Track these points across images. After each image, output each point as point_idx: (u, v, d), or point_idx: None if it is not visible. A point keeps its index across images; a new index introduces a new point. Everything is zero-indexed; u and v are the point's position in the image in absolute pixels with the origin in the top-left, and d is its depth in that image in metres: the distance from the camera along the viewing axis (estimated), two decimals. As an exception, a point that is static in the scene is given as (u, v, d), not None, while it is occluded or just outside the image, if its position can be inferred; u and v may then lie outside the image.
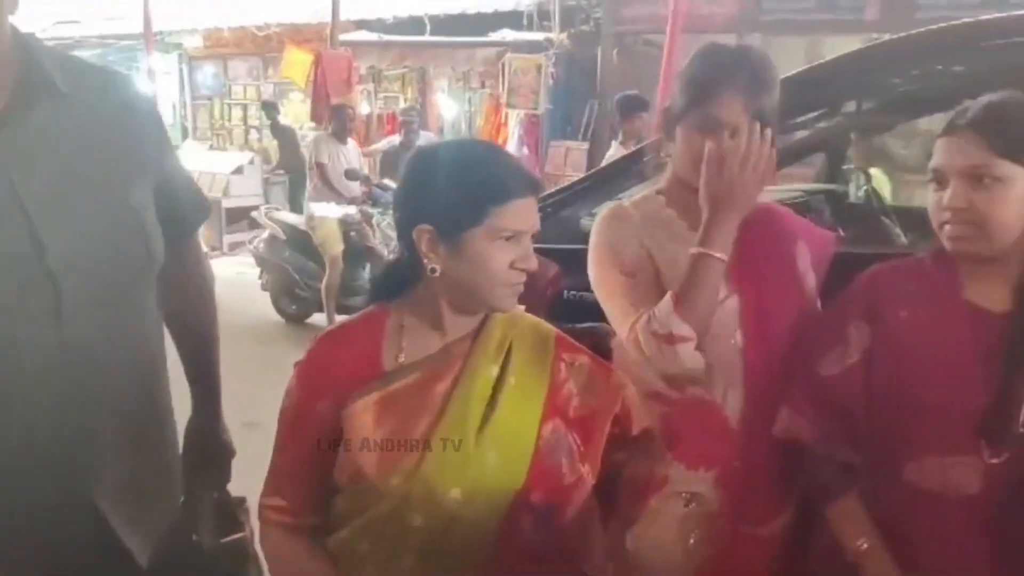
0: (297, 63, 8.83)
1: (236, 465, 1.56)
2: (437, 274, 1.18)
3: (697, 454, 1.46)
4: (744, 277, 1.47)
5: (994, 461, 1.25)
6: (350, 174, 5.85)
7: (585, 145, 7.72)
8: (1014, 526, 1.25)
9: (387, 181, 6.10)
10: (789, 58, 8.13)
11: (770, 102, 1.41)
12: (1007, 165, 1.22)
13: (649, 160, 2.12)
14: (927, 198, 1.33)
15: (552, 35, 8.02)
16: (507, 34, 8.11)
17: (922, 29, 2.07)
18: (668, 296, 1.37)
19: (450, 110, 9.21)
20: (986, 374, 1.27)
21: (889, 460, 1.33)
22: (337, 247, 5.73)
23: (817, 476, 1.39)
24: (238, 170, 9.44)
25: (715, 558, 1.48)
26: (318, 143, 6.01)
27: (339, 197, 5.84)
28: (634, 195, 1.65)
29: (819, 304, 1.56)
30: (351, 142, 6.18)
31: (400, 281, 1.26)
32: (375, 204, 5.96)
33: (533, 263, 1.19)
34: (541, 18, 8.27)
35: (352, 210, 5.88)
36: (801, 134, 2.71)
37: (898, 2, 6.94)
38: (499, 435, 1.21)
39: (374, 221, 5.97)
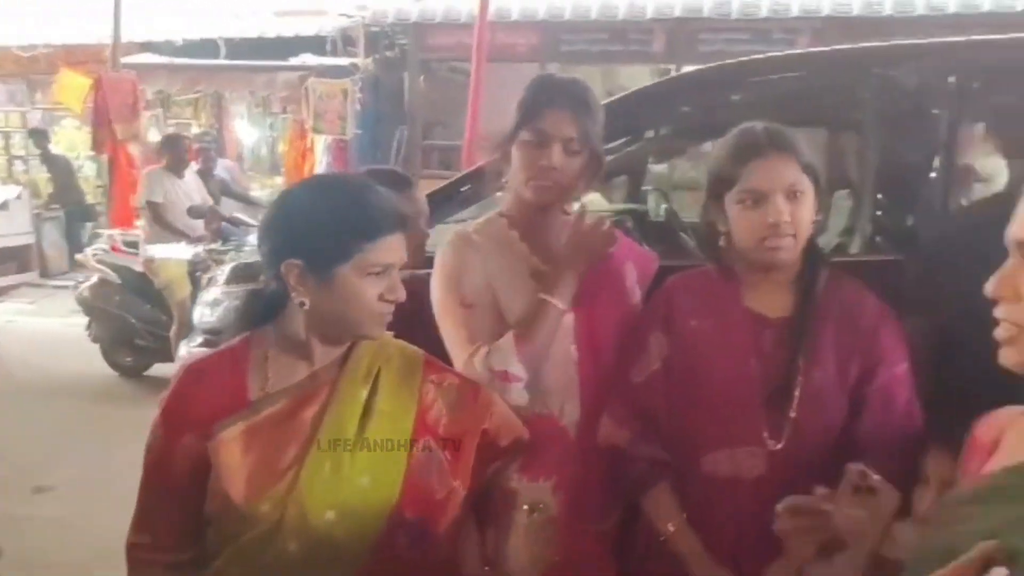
0: (72, 87, 8.06)
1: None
2: (306, 307, 1.19)
3: (538, 466, 1.54)
4: (578, 296, 1.55)
5: (776, 447, 1.43)
6: (194, 211, 5.31)
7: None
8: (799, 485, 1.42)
9: (240, 215, 5.65)
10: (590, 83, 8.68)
11: (594, 125, 1.54)
12: (806, 180, 1.41)
13: (473, 187, 2.21)
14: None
15: (358, 60, 7.97)
16: (308, 59, 7.94)
17: (703, 66, 2.32)
18: (510, 336, 1.46)
19: (250, 136, 8.85)
20: (764, 373, 1.45)
21: (690, 454, 1.48)
22: (183, 291, 5.13)
23: (631, 473, 1.52)
24: (3, 205, 8.41)
25: (558, 554, 1.58)
26: (150, 180, 5.36)
27: (182, 237, 5.27)
28: (475, 219, 1.73)
29: None
30: (189, 175, 5.61)
31: (264, 312, 1.27)
32: (225, 241, 5.35)
33: (401, 294, 1.22)
34: (345, 43, 8.19)
35: (199, 249, 5.25)
36: (609, 159, 2.88)
37: (681, 38, 7.60)
38: (371, 456, 1.24)
39: (227, 259, 5.41)
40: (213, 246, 5.31)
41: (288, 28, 8.17)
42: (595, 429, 1.57)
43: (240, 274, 4.04)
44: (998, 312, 0.89)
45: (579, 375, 1.57)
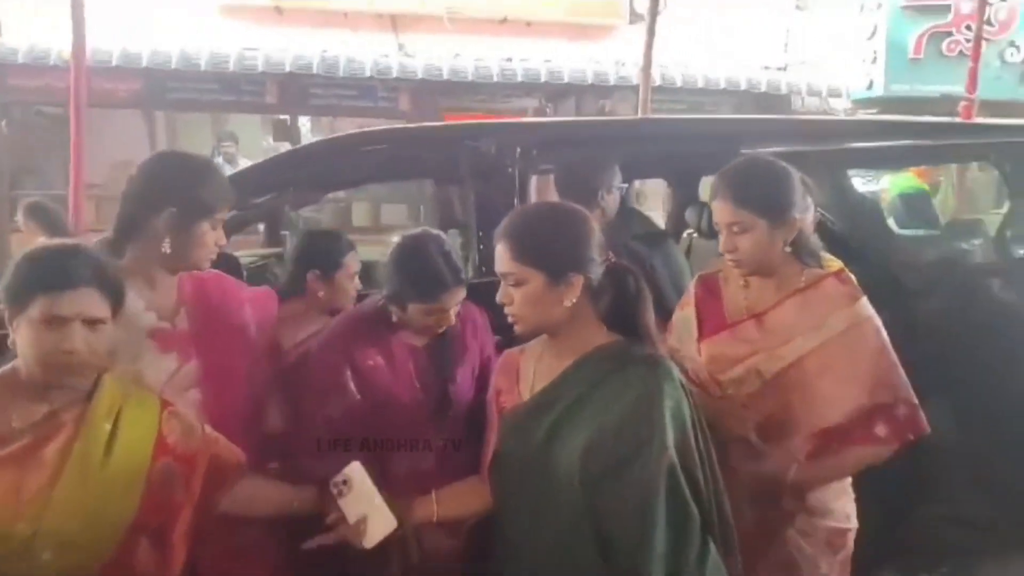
0: None
1: None
2: (16, 348, 1.41)
3: None
4: (201, 344, 1.81)
5: (440, 443, 1.93)
6: None
7: None
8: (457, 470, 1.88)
9: None
10: (196, 132, 8.58)
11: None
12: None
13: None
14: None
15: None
16: None
17: (330, 137, 2.78)
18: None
19: None
20: (424, 387, 1.95)
21: (386, 461, 1.90)
22: None
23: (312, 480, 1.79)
24: None
25: None
26: None
27: None
28: None
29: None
30: None
31: None
32: None
33: (74, 344, 1.39)
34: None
35: None
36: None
37: (293, 90, 8.00)
38: (115, 477, 1.46)
39: None
40: None
41: None
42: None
43: None
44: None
45: (205, 416, 1.72)
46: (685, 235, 3.74)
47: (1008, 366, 2.76)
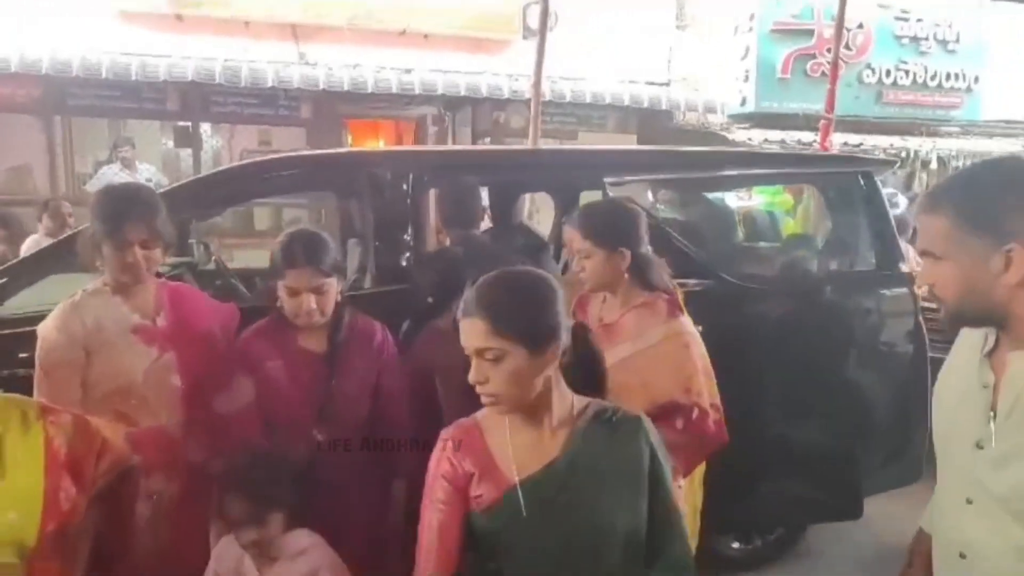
0: None
1: None
2: None
3: (152, 464, 2.04)
4: (179, 337, 2.23)
5: (321, 437, 2.21)
6: None
7: None
8: (339, 464, 2.21)
9: None
10: (94, 137, 8.53)
11: (156, 220, 2.14)
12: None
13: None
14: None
15: None
16: None
17: (244, 162, 3.10)
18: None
19: None
20: (314, 390, 2.20)
21: (294, 451, 2.18)
22: None
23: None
24: None
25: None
26: None
27: None
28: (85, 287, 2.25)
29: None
30: None
31: None
32: None
33: None
34: None
35: None
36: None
37: (195, 98, 8.07)
38: (14, 496, 1.54)
39: None
40: None
41: None
42: (194, 431, 2.19)
43: None
44: None
45: (182, 398, 2.20)
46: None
47: (825, 361, 3.28)
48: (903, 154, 9.65)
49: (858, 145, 9.44)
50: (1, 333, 2.55)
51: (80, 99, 7.68)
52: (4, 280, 2.67)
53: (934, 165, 9.90)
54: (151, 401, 2.17)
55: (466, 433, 1.57)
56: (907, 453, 3.43)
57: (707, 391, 2.19)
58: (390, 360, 2.36)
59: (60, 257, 2.75)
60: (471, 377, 1.46)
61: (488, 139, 8.97)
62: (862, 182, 3.58)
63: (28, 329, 2.28)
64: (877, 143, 9.70)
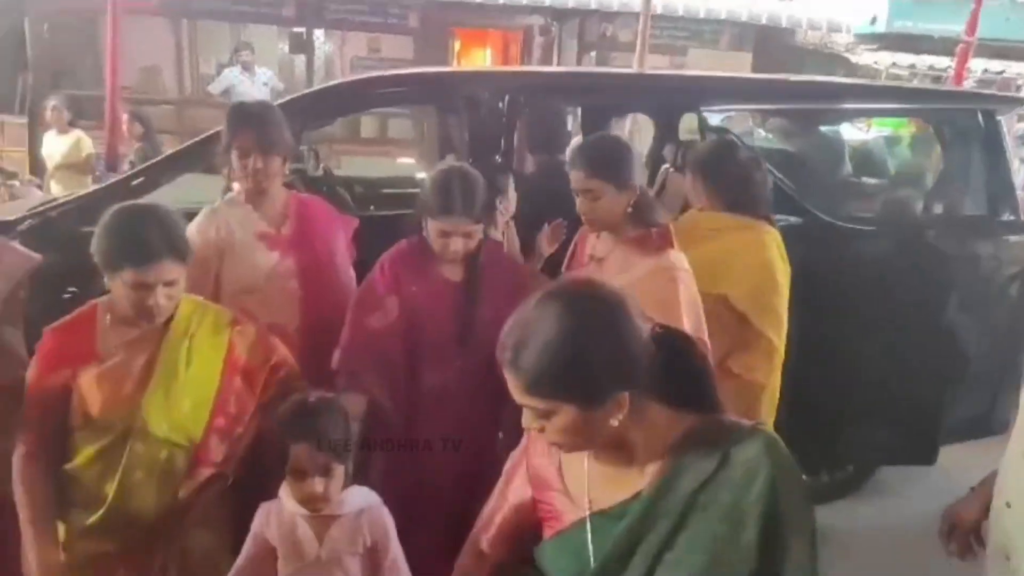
0: None
1: None
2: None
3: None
4: (300, 246, 2.41)
5: (460, 362, 2.22)
6: None
7: (23, 119, 7.28)
8: (481, 389, 2.17)
9: None
10: (218, 39, 8.89)
11: (275, 134, 2.32)
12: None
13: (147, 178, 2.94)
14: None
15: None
16: None
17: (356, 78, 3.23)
18: None
19: None
20: (455, 315, 2.22)
21: (416, 374, 2.24)
22: None
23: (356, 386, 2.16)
24: None
25: None
26: None
27: None
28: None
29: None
30: None
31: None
32: None
33: (157, 300, 1.71)
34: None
35: None
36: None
37: (309, 4, 8.19)
38: (192, 386, 1.80)
39: None
40: None
41: None
42: (314, 335, 2.30)
43: None
44: None
45: (300, 303, 2.38)
46: (662, 169, 4.19)
47: (917, 305, 3.18)
48: (1049, 84, 8.85)
49: (1000, 72, 8.71)
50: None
51: (204, 2, 7.96)
52: (142, 179, 2.96)
53: (1083, 98, 9.03)
54: (272, 302, 2.33)
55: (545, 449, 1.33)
56: (995, 405, 3.35)
57: (691, 325, 2.11)
58: (523, 285, 2.28)
59: (193, 158, 3.04)
60: (524, 422, 1.22)
61: (594, 53, 8.79)
62: (982, 121, 3.38)
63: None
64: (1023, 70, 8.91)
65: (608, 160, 2.21)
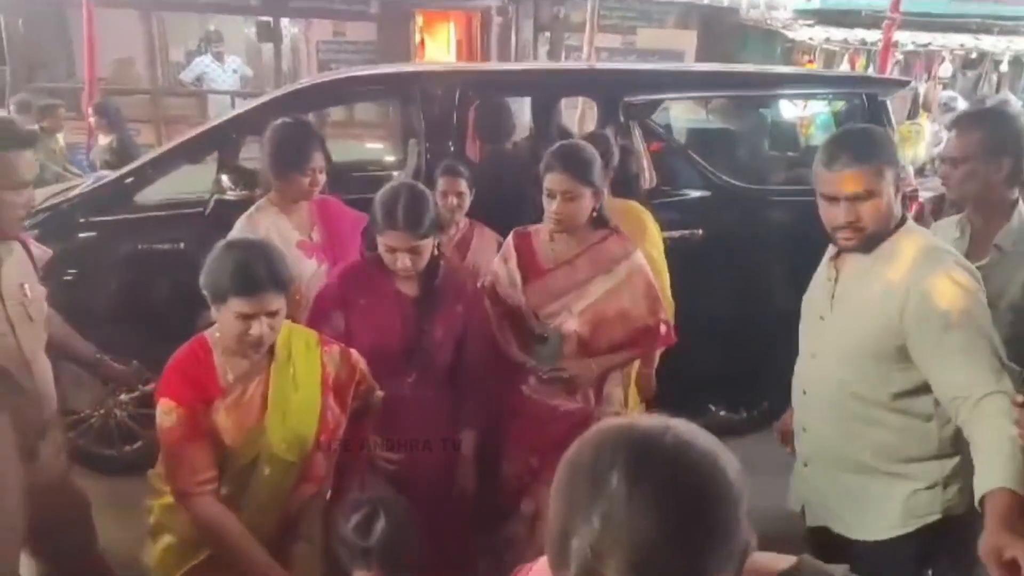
0: None
1: None
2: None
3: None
4: (331, 250, 2.60)
5: (411, 379, 2.26)
6: None
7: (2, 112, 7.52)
8: (433, 402, 2.31)
9: None
10: (185, 29, 9.16)
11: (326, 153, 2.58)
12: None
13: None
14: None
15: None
16: None
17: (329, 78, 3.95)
18: None
19: None
20: (406, 331, 2.23)
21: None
22: None
23: None
24: None
25: None
26: None
27: None
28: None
29: None
30: None
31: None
32: None
33: (261, 331, 1.77)
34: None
35: None
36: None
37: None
38: (302, 407, 1.90)
39: None
40: None
41: None
42: None
43: None
44: None
45: None
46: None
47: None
48: (974, 55, 9.43)
49: (926, 45, 9.28)
50: (143, 216, 3.39)
51: (175, -5, 8.21)
52: (133, 179, 3.47)
53: (1005, 67, 9.65)
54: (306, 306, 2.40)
55: None
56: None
57: (662, 308, 2.46)
58: (478, 310, 2.39)
59: (189, 151, 3.52)
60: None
61: (548, 33, 9.23)
62: (866, 103, 3.84)
63: (164, 214, 3.09)
64: (947, 43, 9.49)
65: (585, 164, 2.27)
